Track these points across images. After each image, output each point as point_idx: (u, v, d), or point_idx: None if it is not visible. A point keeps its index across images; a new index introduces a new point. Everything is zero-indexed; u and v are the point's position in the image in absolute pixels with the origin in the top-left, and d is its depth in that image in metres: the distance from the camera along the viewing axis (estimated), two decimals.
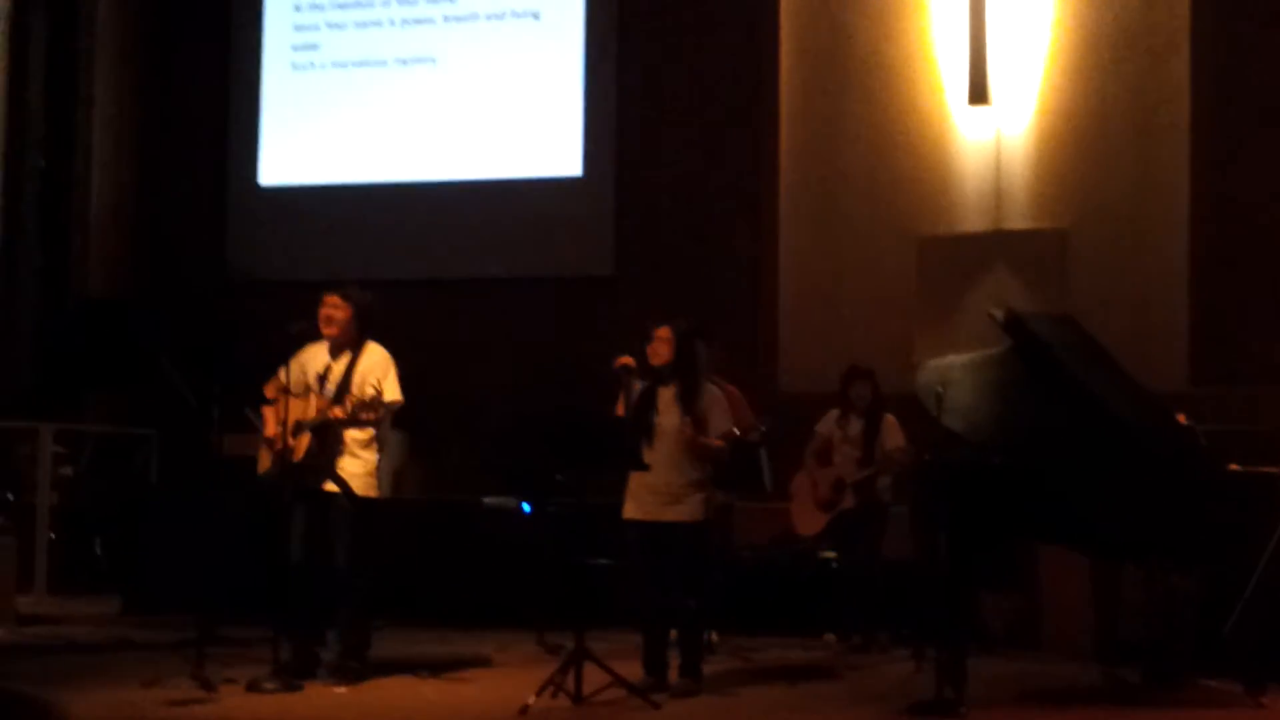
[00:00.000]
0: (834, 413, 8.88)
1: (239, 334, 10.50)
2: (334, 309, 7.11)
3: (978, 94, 10.72)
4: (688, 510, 6.93)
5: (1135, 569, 7.41)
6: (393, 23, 12.36)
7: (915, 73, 11.02)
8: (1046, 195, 10.70)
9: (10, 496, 10.63)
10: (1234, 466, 7.25)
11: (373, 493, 7.10)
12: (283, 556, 7.05)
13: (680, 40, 11.66)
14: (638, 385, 7.03)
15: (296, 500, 7.01)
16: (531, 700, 6.45)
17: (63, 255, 12.31)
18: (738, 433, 7.18)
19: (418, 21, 12.29)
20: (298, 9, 12.59)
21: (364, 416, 6.88)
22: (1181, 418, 7.41)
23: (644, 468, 6.87)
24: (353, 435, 7.02)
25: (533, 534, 9.46)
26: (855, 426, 8.76)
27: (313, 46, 12.52)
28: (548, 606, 8.41)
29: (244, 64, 12.61)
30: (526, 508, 9.61)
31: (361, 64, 12.38)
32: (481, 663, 7.93)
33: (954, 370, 7.03)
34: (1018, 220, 10.75)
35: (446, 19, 12.21)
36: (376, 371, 7.03)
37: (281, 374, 7.06)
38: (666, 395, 7.01)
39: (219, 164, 12.60)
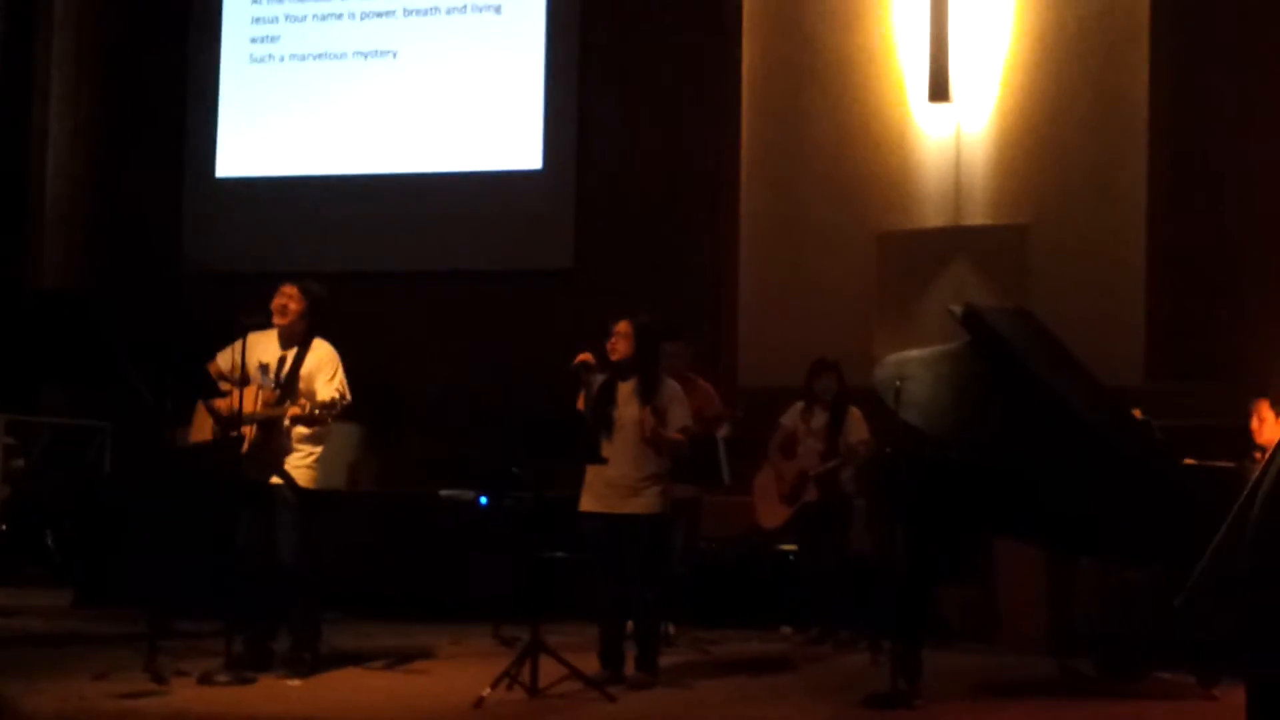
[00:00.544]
0: (799, 405, 8.85)
1: (195, 326, 10.41)
2: (289, 299, 7.05)
3: (938, 91, 10.77)
4: (645, 503, 6.91)
5: (1090, 562, 7.44)
6: (353, 16, 12.30)
7: (876, 69, 11.06)
8: (1006, 191, 10.76)
9: None
10: (1189, 461, 7.29)
11: (313, 484, 7.05)
12: (233, 549, 7.00)
13: (641, 36, 11.65)
14: (598, 380, 7.03)
15: (242, 493, 6.96)
16: (486, 692, 6.42)
17: (18, 247, 12.21)
18: (695, 429, 7.16)
19: (378, 14, 12.25)
20: (256, 2, 12.51)
21: (320, 415, 6.84)
22: (1137, 412, 7.41)
23: (601, 461, 6.85)
24: (297, 429, 6.98)
25: (489, 527, 9.44)
26: (820, 419, 8.73)
27: (272, 39, 12.45)
28: (503, 599, 8.37)
29: (203, 56, 12.55)
30: (483, 500, 9.59)
31: (321, 57, 12.33)
32: (436, 655, 7.88)
33: (912, 365, 7.01)
34: (978, 216, 10.80)
35: (407, 12, 12.17)
36: (325, 369, 6.97)
37: (220, 358, 7.02)
38: (626, 389, 7.00)
39: (176, 156, 12.52)
